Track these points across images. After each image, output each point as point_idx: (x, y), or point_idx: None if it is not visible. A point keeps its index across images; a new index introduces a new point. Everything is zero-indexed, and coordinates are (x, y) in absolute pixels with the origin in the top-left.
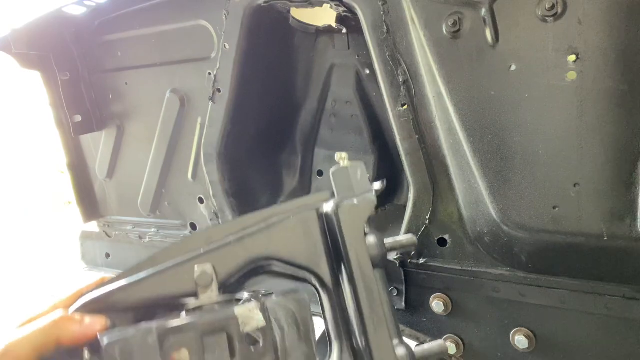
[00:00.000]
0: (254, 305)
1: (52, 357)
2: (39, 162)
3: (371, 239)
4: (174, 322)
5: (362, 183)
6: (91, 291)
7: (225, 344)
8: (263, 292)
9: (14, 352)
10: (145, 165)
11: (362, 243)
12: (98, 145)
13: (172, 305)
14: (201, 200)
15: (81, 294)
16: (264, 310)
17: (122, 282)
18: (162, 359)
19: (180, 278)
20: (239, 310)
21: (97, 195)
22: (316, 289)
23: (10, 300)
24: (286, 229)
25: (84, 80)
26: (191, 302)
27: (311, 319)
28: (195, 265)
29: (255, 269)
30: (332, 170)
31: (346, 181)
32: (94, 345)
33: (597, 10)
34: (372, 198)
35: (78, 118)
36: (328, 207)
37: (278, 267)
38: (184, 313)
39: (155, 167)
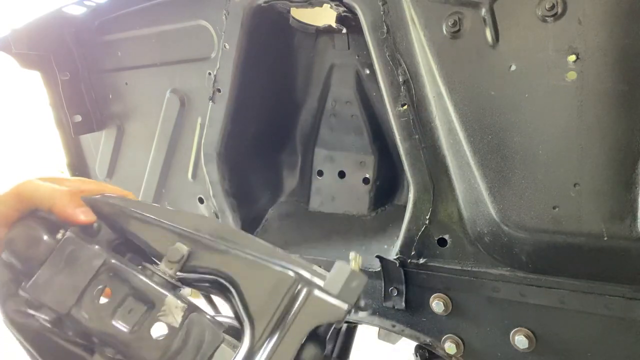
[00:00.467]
0: (182, 306)
1: (43, 215)
2: (39, 162)
3: (312, 346)
4: (122, 266)
5: (350, 291)
6: (110, 195)
7: (138, 314)
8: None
9: (22, 191)
10: (145, 165)
11: (299, 334)
12: (98, 145)
13: (142, 255)
14: (201, 200)
15: (103, 192)
16: (185, 317)
17: (131, 204)
18: (88, 283)
19: (163, 240)
20: (170, 299)
21: None
22: (242, 340)
23: None
24: (263, 270)
25: (84, 80)
26: (152, 266)
27: (211, 358)
28: (178, 242)
29: (218, 284)
30: (338, 262)
31: (340, 279)
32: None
33: (597, 10)
34: (342, 311)
35: (78, 118)
36: (307, 283)
37: (234, 297)
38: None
39: (155, 167)
